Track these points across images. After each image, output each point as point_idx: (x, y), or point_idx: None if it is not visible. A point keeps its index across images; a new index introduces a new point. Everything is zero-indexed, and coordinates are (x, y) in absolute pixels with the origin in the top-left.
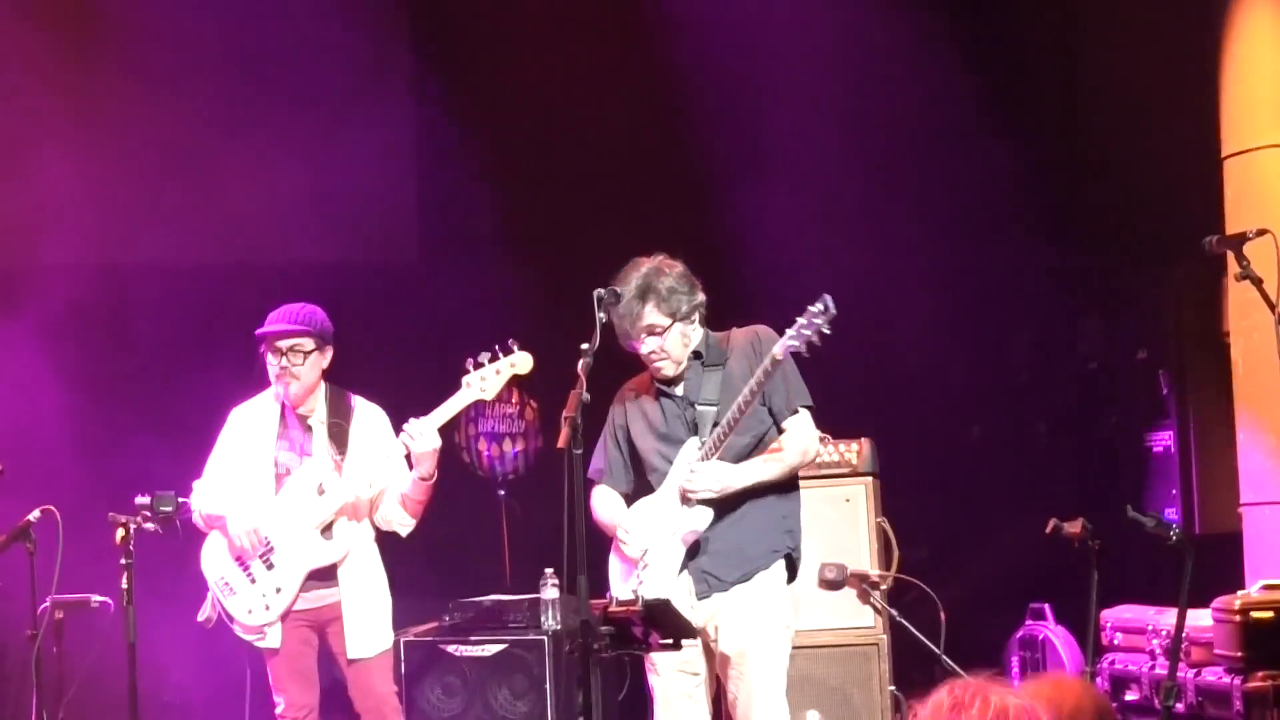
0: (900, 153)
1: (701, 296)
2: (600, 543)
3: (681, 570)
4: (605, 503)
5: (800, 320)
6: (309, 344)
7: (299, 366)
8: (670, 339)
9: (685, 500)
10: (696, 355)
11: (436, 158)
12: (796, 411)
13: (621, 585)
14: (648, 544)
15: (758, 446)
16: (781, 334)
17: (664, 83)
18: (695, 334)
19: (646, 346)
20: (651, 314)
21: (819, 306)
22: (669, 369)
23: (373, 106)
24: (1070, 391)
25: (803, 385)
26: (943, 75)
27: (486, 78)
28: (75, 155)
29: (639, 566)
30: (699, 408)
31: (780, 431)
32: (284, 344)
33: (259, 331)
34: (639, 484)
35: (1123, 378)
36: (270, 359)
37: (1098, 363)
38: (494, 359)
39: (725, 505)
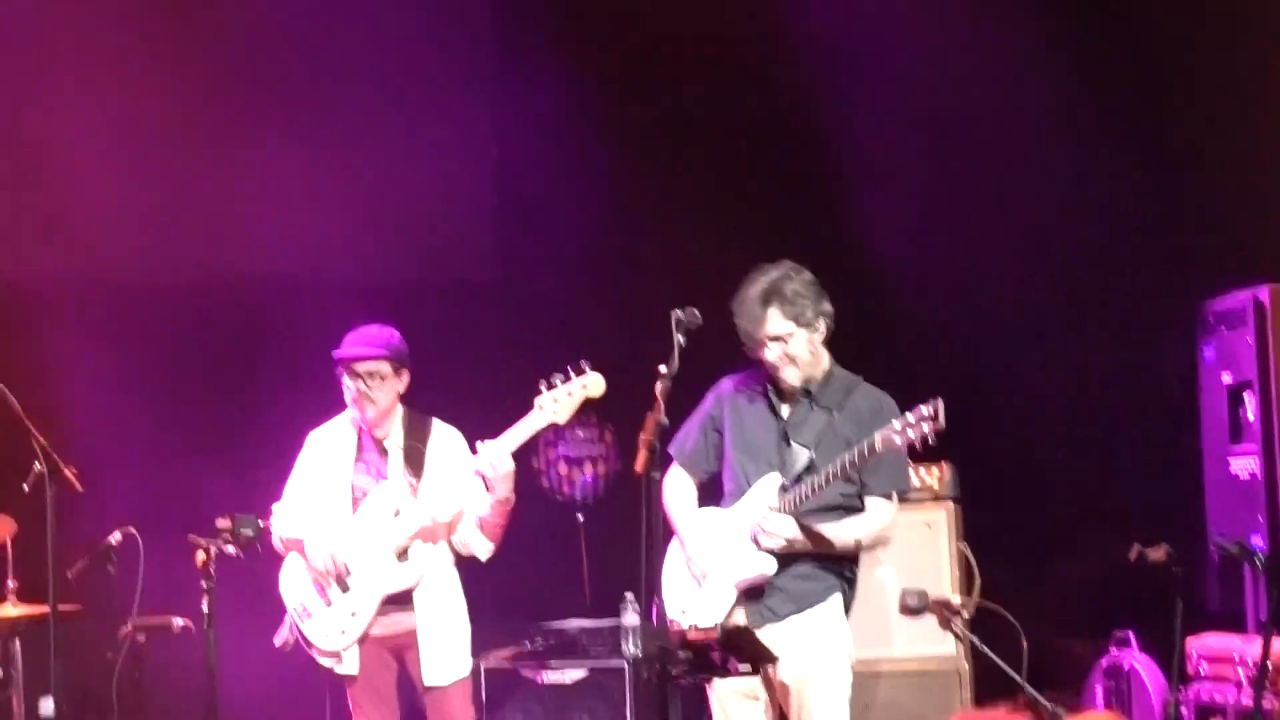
0: (998, 166)
1: (828, 306)
2: None
3: (736, 605)
4: (676, 493)
5: (908, 417)
6: (386, 368)
7: (377, 391)
8: (795, 345)
9: (755, 541)
10: (807, 394)
11: (515, 169)
12: (888, 496)
13: (673, 599)
14: (708, 569)
15: (839, 509)
16: (903, 410)
17: (757, 97)
18: (822, 351)
19: (770, 353)
20: (774, 319)
21: (928, 410)
22: (793, 377)
23: (448, 116)
24: (1155, 414)
25: (901, 469)
26: (1057, 89)
27: (569, 86)
28: (146, 173)
29: (695, 585)
30: (794, 446)
31: (862, 503)
32: (361, 368)
33: (336, 355)
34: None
35: (1209, 400)
36: (347, 382)
37: (1183, 385)
38: (566, 380)
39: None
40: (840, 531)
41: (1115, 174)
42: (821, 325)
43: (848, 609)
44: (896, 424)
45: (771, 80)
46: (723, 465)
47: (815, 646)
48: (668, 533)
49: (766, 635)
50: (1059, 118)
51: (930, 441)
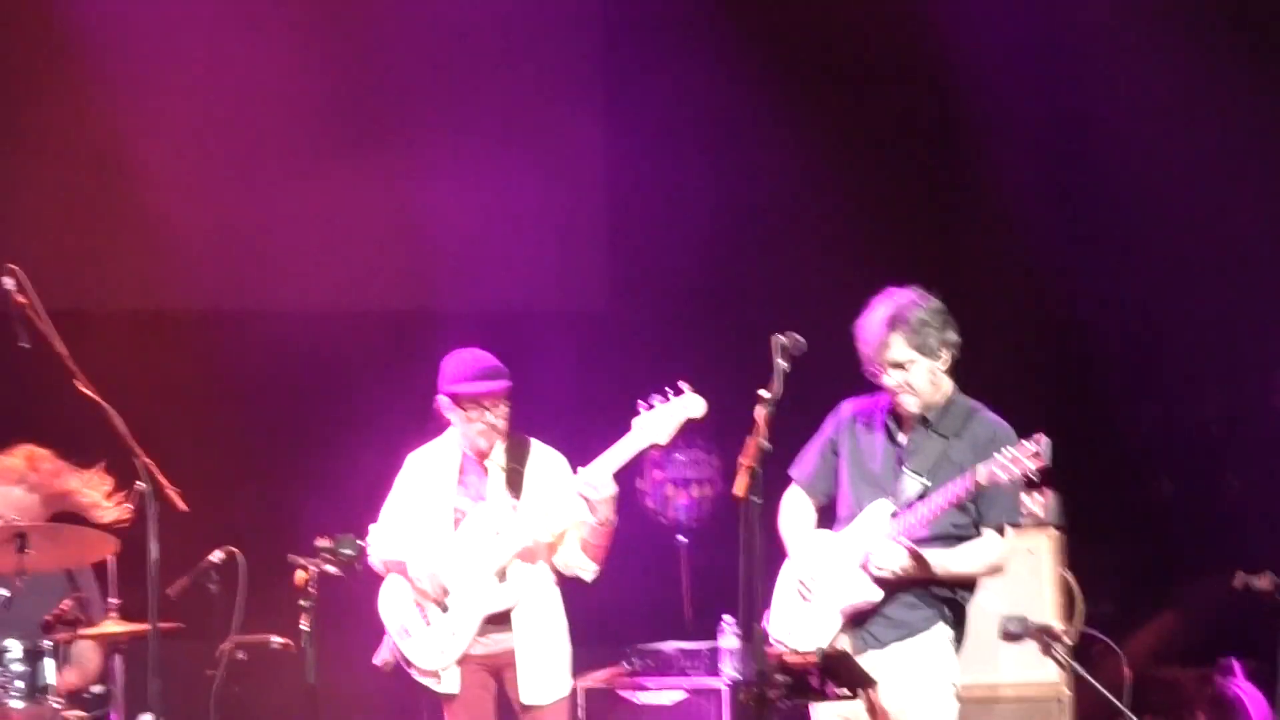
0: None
1: (954, 335)
2: None
3: (840, 630)
4: (793, 514)
5: (1012, 451)
6: (506, 399)
7: (503, 419)
8: (916, 374)
9: (863, 567)
10: (925, 422)
11: (625, 194)
12: (1000, 528)
13: (780, 620)
14: (816, 591)
15: (952, 539)
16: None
17: (874, 123)
18: (944, 379)
19: (891, 379)
20: (897, 345)
21: (1033, 448)
22: (912, 405)
23: (558, 141)
24: (1263, 442)
25: (1014, 502)
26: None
27: (679, 104)
28: (244, 196)
29: (803, 606)
30: (908, 474)
31: (977, 532)
32: (489, 400)
33: (466, 390)
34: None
35: None
36: (471, 414)
37: None
38: (665, 401)
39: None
40: (951, 561)
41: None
42: (945, 355)
43: (957, 638)
44: (1000, 457)
45: (890, 105)
46: (840, 487)
47: (918, 674)
48: (774, 556)
49: (869, 661)
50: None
51: (1033, 477)
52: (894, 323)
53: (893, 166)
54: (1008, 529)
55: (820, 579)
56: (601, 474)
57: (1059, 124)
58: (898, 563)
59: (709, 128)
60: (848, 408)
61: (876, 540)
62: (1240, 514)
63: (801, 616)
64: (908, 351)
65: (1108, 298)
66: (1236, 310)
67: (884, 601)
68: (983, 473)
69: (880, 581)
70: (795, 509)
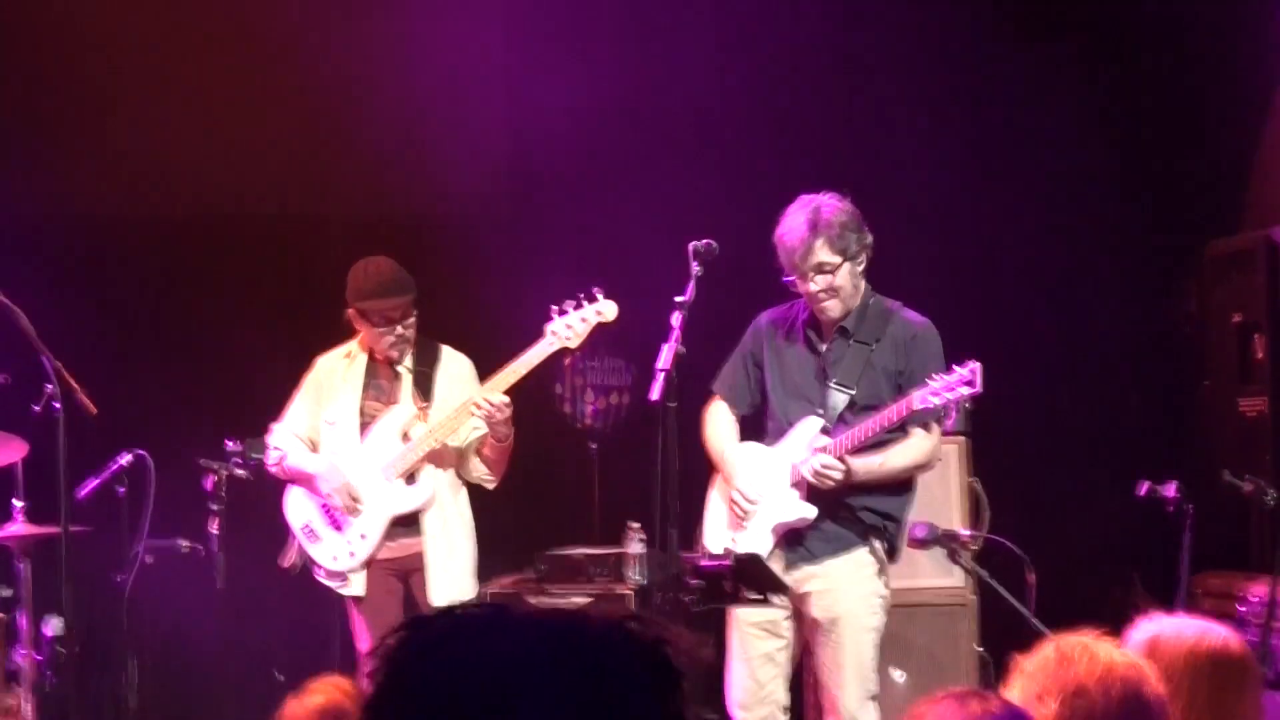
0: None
1: (869, 237)
2: (693, 497)
3: (775, 545)
4: (718, 426)
5: (947, 378)
6: (412, 307)
7: (411, 331)
8: (841, 277)
9: (796, 485)
10: (844, 332)
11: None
12: (927, 425)
13: (716, 534)
14: (752, 507)
15: (882, 444)
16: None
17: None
18: (862, 281)
19: (815, 285)
20: (823, 250)
21: (966, 374)
22: (835, 310)
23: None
24: (1166, 355)
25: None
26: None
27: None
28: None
29: (738, 519)
30: (833, 387)
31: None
32: (397, 314)
33: (370, 306)
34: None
35: (1218, 341)
36: (380, 328)
37: (1193, 326)
38: (579, 307)
39: (831, 492)
40: (885, 464)
41: (1118, 118)
42: (863, 257)
43: (893, 551)
44: (934, 383)
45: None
46: (766, 400)
47: (848, 585)
48: (686, 462)
49: (800, 574)
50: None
51: (965, 405)
52: (815, 226)
53: (806, 73)
54: (934, 425)
55: (753, 496)
56: (497, 397)
57: None
58: (835, 477)
59: (613, 20)
60: (765, 318)
61: (812, 459)
62: (1144, 426)
63: (734, 534)
64: (831, 255)
65: (1018, 211)
66: (1129, 223)
67: (819, 518)
68: (916, 399)
69: (814, 497)
70: (719, 422)
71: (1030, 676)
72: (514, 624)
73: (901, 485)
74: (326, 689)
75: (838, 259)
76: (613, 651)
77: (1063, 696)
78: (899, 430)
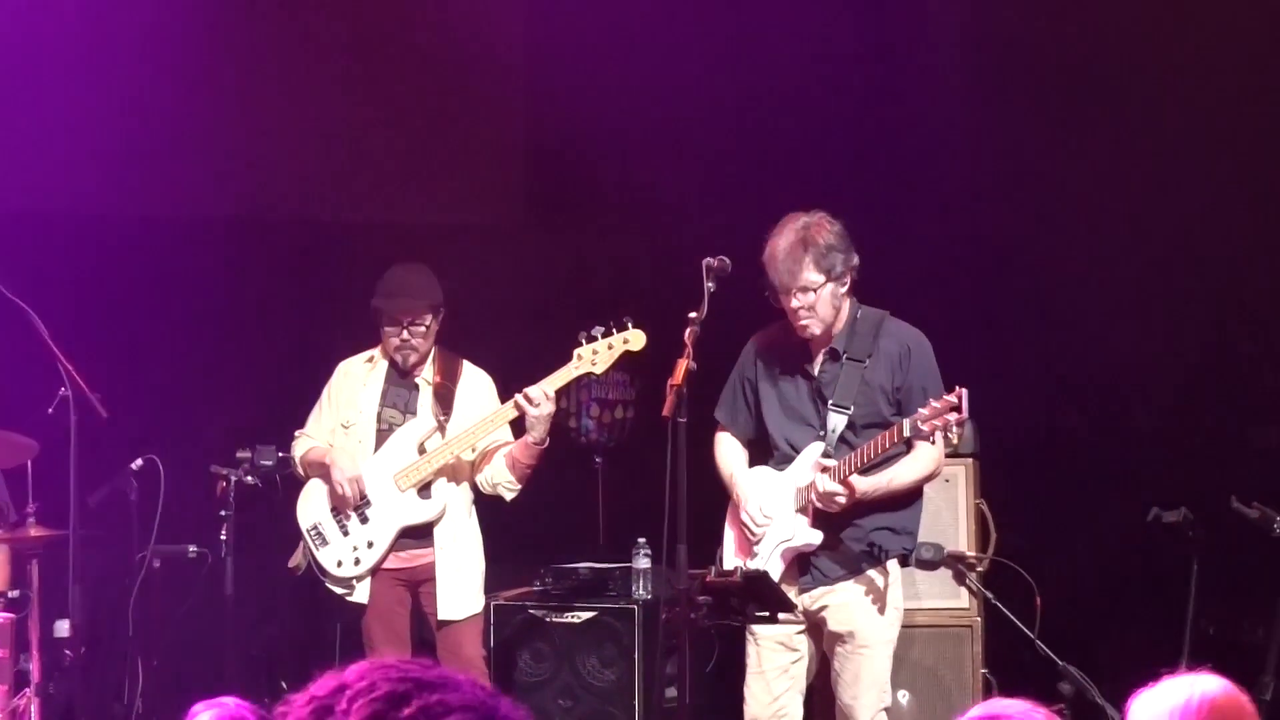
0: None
1: (856, 259)
2: (701, 513)
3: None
4: (728, 454)
5: (935, 405)
6: (428, 316)
7: (418, 339)
8: (821, 298)
9: (803, 510)
10: (833, 354)
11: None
12: (931, 440)
13: (731, 558)
14: (761, 532)
15: (886, 461)
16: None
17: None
18: (845, 303)
19: (796, 302)
20: (808, 269)
21: (953, 400)
22: (816, 328)
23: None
24: (1176, 382)
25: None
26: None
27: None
28: (182, 106)
29: (750, 551)
30: (832, 410)
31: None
32: (405, 318)
33: (379, 305)
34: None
35: (1230, 370)
36: (388, 329)
37: (1204, 354)
38: (607, 334)
39: (840, 513)
40: (893, 481)
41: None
42: (848, 278)
43: (906, 560)
44: (924, 412)
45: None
46: (764, 423)
47: (865, 602)
48: (695, 478)
49: (818, 595)
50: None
51: (955, 430)
52: (805, 245)
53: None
54: (938, 437)
55: (760, 521)
56: (544, 394)
57: None
58: (841, 501)
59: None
60: (755, 341)
61: (818, 483)
62: (1151, 448)
63: (746, 560)
64: (816, 276)
65: (1025, 235)
66: (1147, 253)
67: (830, 541)
68: (907, 428)
69: (822, 520)
70: (728, 451)
71: None
72: None
73: (910, 496)
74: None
75: (821, 278)
76: None
77: None
78: (903, 445)
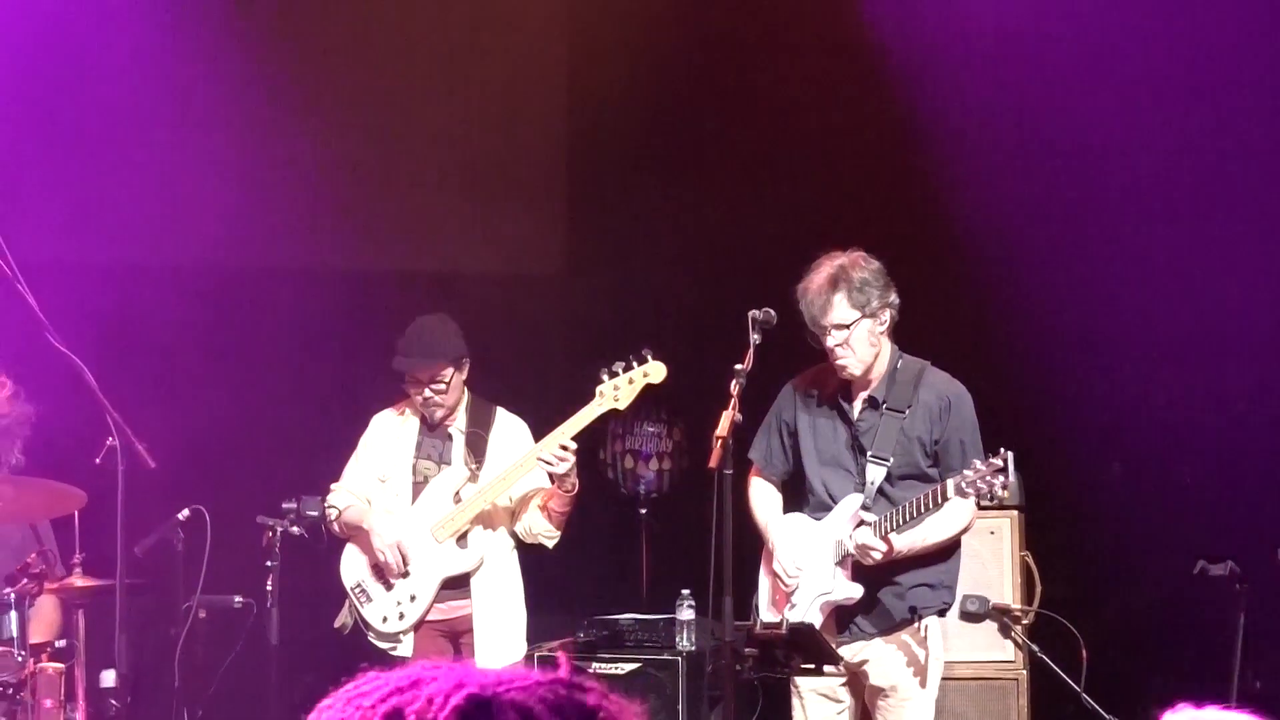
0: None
1: (895, 297)
2: (746, 565)
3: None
4: (761, 499)
5: (980, 467)
6: (449, 372)
7: (442, 395)
8: (856, 335)
9: (841, 563)
10: (873, 402)
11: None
12: (966, 496)
13: (769, 611)
14: (797, 582)
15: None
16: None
17: (837, 91)
18: (885, 342)
19: (832, 339)
20: (840, 305)
21: (997, 463)
22: (855, 368)
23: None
24: (1221, 433)
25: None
26: None
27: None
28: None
29: (788, 602)
30: (871, 462)
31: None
32: (424, 376)
33: (398, 366)
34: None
35: (1276, 421)
36: (410, 387)
37: (1250, 404)
38: (627, 369)
39: (879, 567)
40: (928, 539)
41: None
42: (885, 315)
43: (945, 613)
44: (968, 473)
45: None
46: (801, 467)
47: (907, 656)
48: (739, 530)
49: (856, 650)
50: None
51: (1000, 491)
52: (837, 282)
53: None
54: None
55: (799, 571)
56: (558, 444)
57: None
58: (878, 557)
59: (667, 91)
60: (795, 383)
61: (855, 538)
62: (1197, 501)
63: (784, 613)
64: (850, 311)
65: (1061, 280)
66: (1192, 298)
67: (869, 595)
68: (951, 489)
69: (860, 574)
70: (762, 494)
71: None
72: None
73: (948, 550)
74: None
75: (856, 314)
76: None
77: None
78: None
